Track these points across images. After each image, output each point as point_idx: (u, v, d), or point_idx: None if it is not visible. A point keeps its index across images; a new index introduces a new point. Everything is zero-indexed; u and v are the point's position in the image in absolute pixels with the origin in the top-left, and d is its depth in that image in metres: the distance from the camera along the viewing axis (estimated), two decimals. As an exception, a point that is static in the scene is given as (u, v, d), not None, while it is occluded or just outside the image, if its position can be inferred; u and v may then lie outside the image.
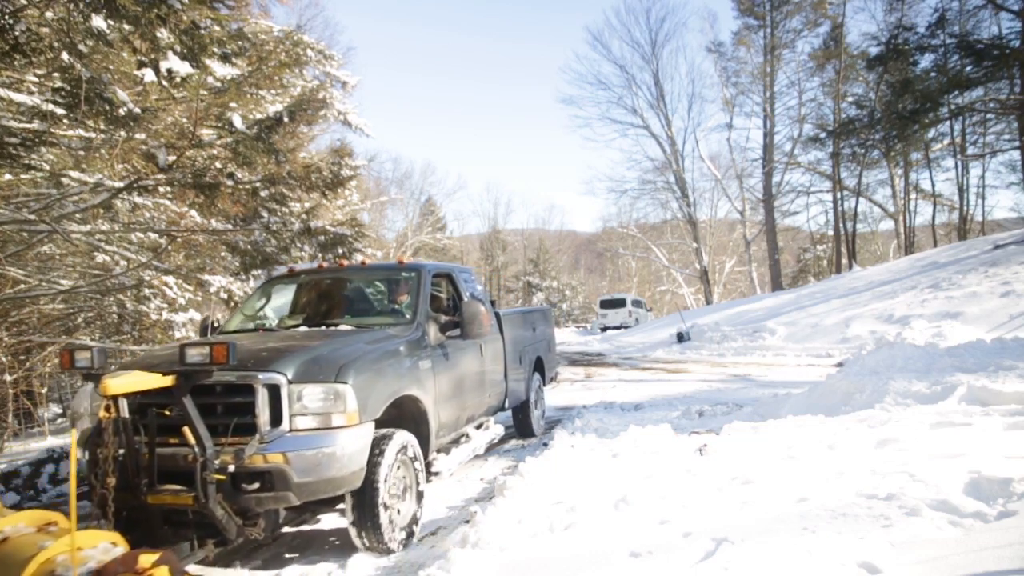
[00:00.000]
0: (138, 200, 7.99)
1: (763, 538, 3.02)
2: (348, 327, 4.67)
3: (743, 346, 16.76)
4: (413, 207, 54.20)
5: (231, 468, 3.26)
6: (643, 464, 4.73)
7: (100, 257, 8.28)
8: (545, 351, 7.92)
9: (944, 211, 32.02)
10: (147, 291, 9.10)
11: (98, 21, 4.89)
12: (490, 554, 3.27)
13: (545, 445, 6.20)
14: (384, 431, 3.92)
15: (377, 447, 3.77)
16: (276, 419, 3.44)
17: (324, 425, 3.49)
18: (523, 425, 7.20)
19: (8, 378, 8.06)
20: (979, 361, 7.20)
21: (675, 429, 6.23)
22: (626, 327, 33.16)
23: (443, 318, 4.97)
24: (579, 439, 6.01)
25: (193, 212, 8.69)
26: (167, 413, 3.34)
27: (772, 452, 4.69)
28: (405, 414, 4.31)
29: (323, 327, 4.78)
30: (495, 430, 5.99)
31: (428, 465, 4.56)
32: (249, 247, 8.97)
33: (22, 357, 8.58)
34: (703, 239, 41.09)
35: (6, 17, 4.71)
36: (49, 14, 5.06)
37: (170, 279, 9.00)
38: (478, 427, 5.79)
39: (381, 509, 3.72)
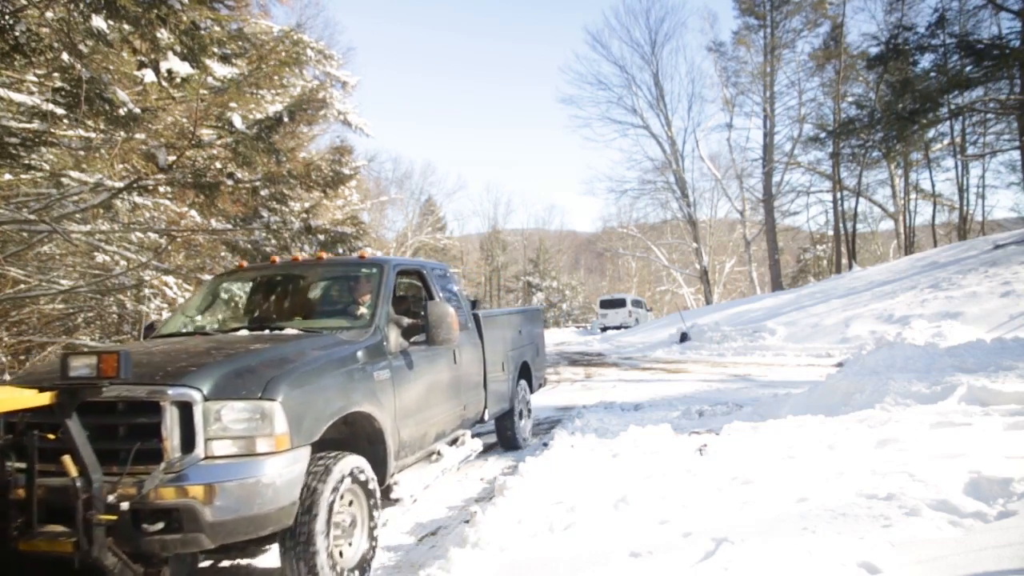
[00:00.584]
0: (138, 200, 7.99)
1: (763, 538, 3.02)
2: (295, 331, 4.04)
3: (743, 346, 16.76)
4: (413, 207, 54.27)
5: (126, 505, 2.69)
6: (643, 464, 4.73)
7: (100, 257, 8.29)
8: (533, 355, 7.32)
9: (944, 211, 32.06)
10: (147, 291, 9.11)
11: (98, 21, 4.90)
12: (490, 554, 3.27)
13: (545, 445, 6.20)
14: (326, 456, 3.33)
15: (315, 476, 3.17)
16: (188, 444, 2.86)
17: (247, 451, 2.92)
18: (507, 437, 6.60)
19: (8, 378, 8.06)
20: (979, 361, 7.20)
21: (675, 429, 6.23)
22: (626, 327, 33.17)
23: (406, 321, 4.30)
24: (579, 439, 6.02)
25: (193, 212, 8.69)
26: (51, 437, 2.78)
27: (772, 452, 4.69)
28: (358, 433, 3.75)
29: (268, 331, 4.13)
30: (472, 445, 5.36)
31: (387, 490, 3.97)
32: (249, 246, 8.97)
33: (22, 357, 8.59)
34: (703, 239, 41.10)
35: (6, 17, 4.71)
36: (49, 14, 5.06)
37: (170, 279, 9.00)
38: (453, 442, 5.14)
39: (319, 551, 3.11)
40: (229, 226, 8.83)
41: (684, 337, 19.15)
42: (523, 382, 6.92)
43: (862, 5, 60.84)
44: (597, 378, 12.83)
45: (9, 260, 6.89)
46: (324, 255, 5.27)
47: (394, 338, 4.16)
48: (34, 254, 7.72)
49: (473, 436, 5.51)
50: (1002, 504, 3.20)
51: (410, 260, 5.28)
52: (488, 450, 6.55)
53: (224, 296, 5.41)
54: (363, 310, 4.31)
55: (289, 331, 4.04)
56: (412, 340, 4.34)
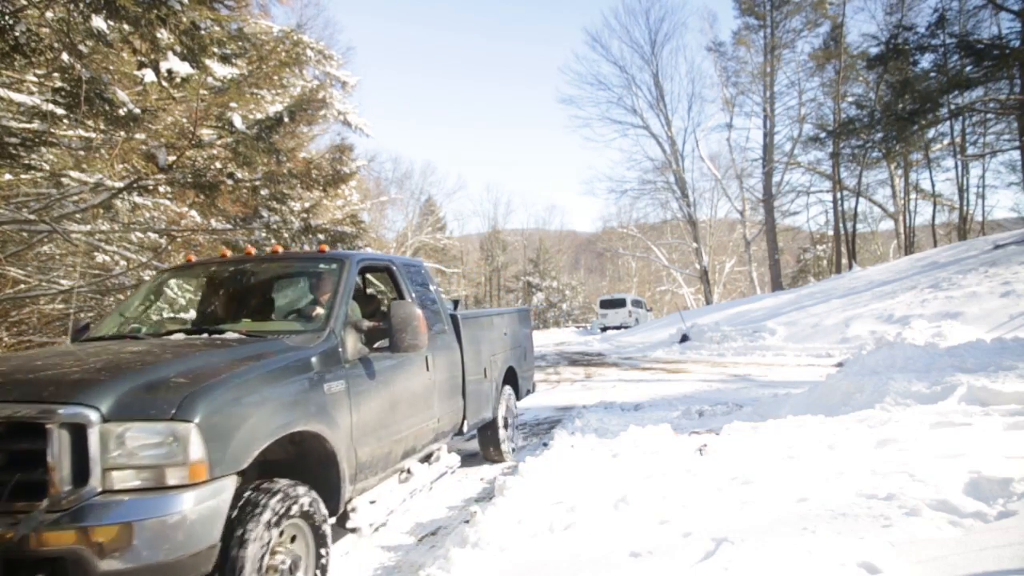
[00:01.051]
0: (138, 200, 7.99)
1: (763, 538, 3.02)
2: (237, 335, 3.52)
3: (743, 346, 16.77)
4: (413, 207, 54.30)
5: None
6: (643, 464, 4.73)
7: (100, 257, 8.29)
8: (519, 360, 6.82)
9: (944, 211, 32.06)
10: None
11: (98, 21, 4.90)
12: (490, 554, 3.27)
13: (545, 445, 6.20)
14: (260, 485, 2.80)
15: (244, 511, 2.64)
16: (81, 475, 2.34)
17: (155, 483, 2.40)
18: (490, 449, 6.13)
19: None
20: (979, 361, 7.20)
21: (675, 429, 6.23)
22: (626, 327, 33.19)
23: (366, 324, 3.77)
24: (579, 439, 6.02)
25: (193, 212, 8.69)
26: None
27: (772, 452, 4.69)
28: (308, 454, 3.23)
29: (207, 334, 3.62)
30: (448, 461, 4.94)
31: (342, 518, 3.52)
32: (249, 246, 8.97)
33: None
34: (703, 239, 41.12)
35: (6, 17, 4.71)
36: (49, 14, 5.06)
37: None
38: (426, 458, 4.71)
39: None
40: (229, 226, 8.84)
41: (684, 338, 19.15)
42: (508, 389, 6.43)
43: (862, 5, 60.89)
44: (597, 378, 12.83)
45: (9, 260, 6.89)
46: (279, 248, 4.79)
47: (352, 344, 3.63)
48: (34, 254, 7.72)
49: (451, 451, 5.15)
50: (1002, 504, 3.20)
51: (377, 255, 4.79)
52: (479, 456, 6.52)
53: (171, 294, 4.93)
54: (319, 311, 3.78)
55: (231, 335, 3.53)
56: (375, 346, 3.82)
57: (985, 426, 4.79)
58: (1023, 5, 19.57)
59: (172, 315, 5.03)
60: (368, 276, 5.42)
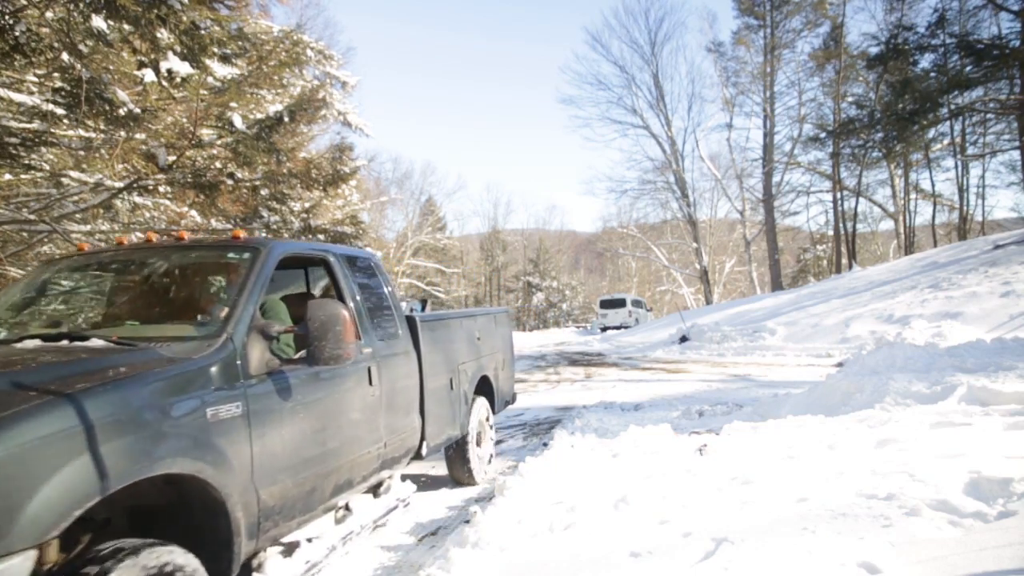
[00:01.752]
0: (138, 200, 8.00)
1: (763, 538, 3.02)
2: (104, 342, 2.72)
3: (743, 346, 16.77)
4: (413, 207, 54.31)
5: None
6: (643, 464, 4.73)
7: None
8: (497, 367, 6.08)
9: (944, 211, 32.08)
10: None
11: (98, 21, 4.89)
12: (490, 554, 3.27)
13: (545, 445, 6.20)
14: (84, 554, 2.03)
15: None
16: None
17: None
18: (458, 470, 5.32)
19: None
20: (979, 361, 7.20)
21: (675, 429, 6.23)
22: (626, 327, 33.19)
23: (277, 328, 3.00)
24: (579, 439, 6.01)
25: (193, 212, 8.70)
26: None
27: (772, 452, 4.69)
28: (190, 498, 2.48)
29: (68, 340, 2.80)
30: (400, 491, 4.28)
31: None
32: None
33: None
34: (703, 239, 41.13)
35: (6, 17, 4.71)
36: (49, 14, 5.06)
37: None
38: (374, 488, 4.08)
39: None
40: (229, 226, 8.84)
41: (684, 338, 19.16)
42: (482, 401, 5.62)
43: (862, 5, 60.88)
44: (597, 378, 12.83)
45: (9, 260, 6.89)
46: (185, 235, 3.98)
47: (257, 354, 2.86)
48: (34, 254, 7.72)
49: (404, 479, 4.49)
50: (1002, 504, 3.20)
51: (308, 245, 4.04)
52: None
53: (54, 289, 4.17)
54: (220, 312, 2.98)
55: (96, 342, 2.73)
56: (295, 356, 3.22)
57: (985, 426, 4.79)
58: (1023, 5, 19.58)
59: (57, 315, 4.18)
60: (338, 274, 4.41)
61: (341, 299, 3.83)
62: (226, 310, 2.95)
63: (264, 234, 8.99)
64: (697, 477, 4.24)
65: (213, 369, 2.63)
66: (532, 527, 3.57)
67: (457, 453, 5.28)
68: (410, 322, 4.53)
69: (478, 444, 5.47)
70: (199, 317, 3.11)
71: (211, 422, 2.51)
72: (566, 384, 12.19)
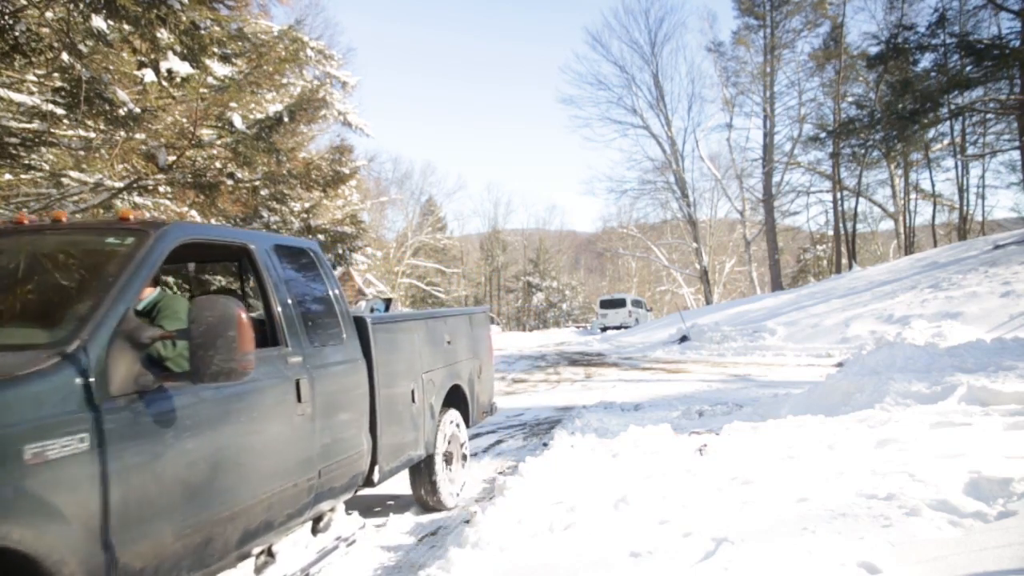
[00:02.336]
0: (138, 200, 8.00)
1: (763, 538, 3.02)
2: None
3: (743, 346, 16.77)
4: (413, 207, 54.37)
5: None
6: (643, 464, 4.73)
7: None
8: (472, 375, 5.43)
9: (944, 211, 32.08)
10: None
11: (98, 21, 4.90)
12: (490, 554, 3.27)
13: (545, 445, 6.20)
14: None
15: None
16: None
17: None
18: (424, 493, 4.62)
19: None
20: (979, 361, 7.21)
21: (675, 429, 6.23)
22: (626, 327, 33.18)
23: (151, 333, 2.38)
24: (579, 439, 6.01)
25: (193, 212, 8.70)
26: None
27: (772, 452, 4.69)
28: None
29: None
30: (344, 527, 3.92)
31: None
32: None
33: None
34: (703, 239, 41.15)
35: (6, 17, 4.72)
36: (49, 14, 5.06)
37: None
38: (315, 523, 3.70)
39: None
40: (229, 226, 8.84)
41: (684, 338, 19.16)
42: (454, 414, 4.98)
43: (862, 5, 60.90)
44: (597, 378, 12.83)
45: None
46: (63, 216, 3.07)
47: (124, 369, 2.23)
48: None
49: (351, 511, 4.04)
50: (1002, 504, 3.20)
51: (221, 230, 3.47)
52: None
53: None
54: (74, 312, 2.36)
55: None
56: (180, 371, 2.59)
57: (985, 426, 4.79)
58: (1023, 5, 19.59)
59: None
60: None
61: (265, 297, 3.21)
62: (84, 310, 2.28)
63: (264, 234, 8.98)
64: (697, 477, 4.24)
65: (43, 389, 1.96)
66: (532, 527, 3.57)
67: (423, 474, 4.59)
68: (359, 325, 3.88)
69: (448, 463, 4.82)
70: (57, 319, 2.40)
71: (31, 465, 1.83)
72: (566, 384, 12.19)
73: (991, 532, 2.89)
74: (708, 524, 3.31)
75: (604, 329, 34.53)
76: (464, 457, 5.14)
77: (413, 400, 4.32)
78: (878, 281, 20.00)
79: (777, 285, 34.46)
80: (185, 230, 2.86)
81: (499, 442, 7.01)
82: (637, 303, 37.77)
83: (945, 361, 7.42)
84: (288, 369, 3.11)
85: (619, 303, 36.30)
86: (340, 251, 9.29)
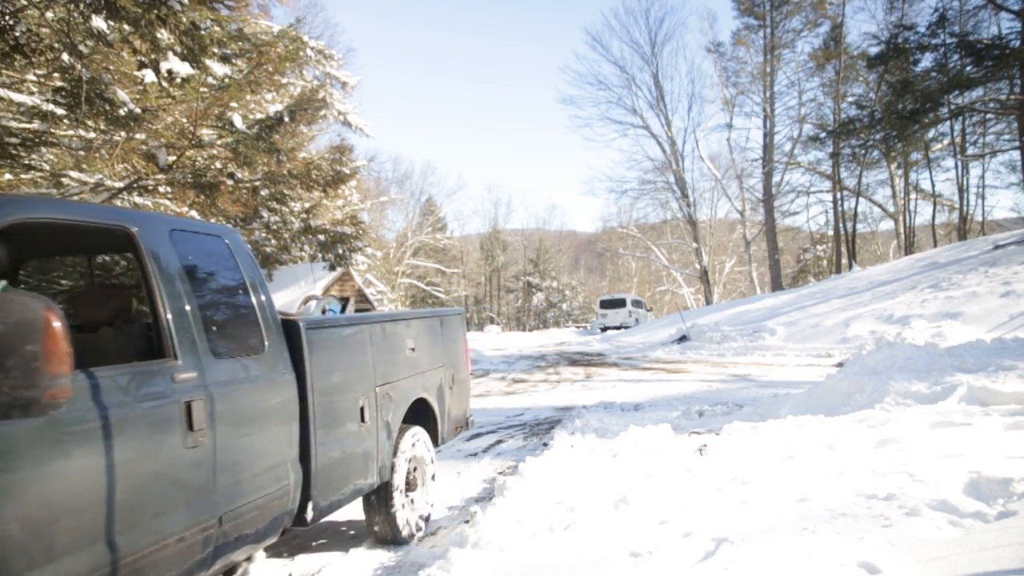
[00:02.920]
0: (138, 200, 8.00)
1: (763, 538, 3.02)
2: None
3: (743, 346, 16.77)
4: (413, 207, 54.37)
5: None
6: (643, 464, 4.74)
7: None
8: (443, 385, 4.70)
9: (944, 211, 32.09)
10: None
11: (98, 22, 4.90)
12: (490, 554, 3.27)
13: (545, 445, 6.20)
14: None
15: None
16: None
17: None
18: (381, 524, 3.94)
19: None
20: (979, 361, 7.21)
21: (675, 429, 6.23)
22: (626, 327, 33.17)
23: None
24: (579, 439, 6.02)
25: (193, 212, 8.70)
26: None
27: (772, 452, 4.69)
28: None
29: None
30: None
31: None
32: (249, 246, 8.99)
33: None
34: (703, 239, 41.15)
35: (7, 17, 4.72)
36: (49, 15, 5.06)
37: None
38: None
39: None
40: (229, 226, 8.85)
41: (683, 339, 19.17)
42: (417, 432, 4.24)
43: (862, 5, 60.85)
44: (597, 378, 12.83)
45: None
46: None
47: None
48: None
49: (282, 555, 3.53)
50: (1002, 504, 3.20)
51: (81, 207, 2.69)
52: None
53: None
54: None
55: None
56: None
57: (985, 426, 4.79)
58: (1023, 5, 19.60)
59: None
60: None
61: (151, 297, 2.55)
62: None
63: (264, 234, 8.99)
64: (697, 477, 4.25)
65: None
66: (532, 527, 3.57)
67: (378, 504, 3.91)
68: (289, 330, 3.20)
69: (409, 489, 4.12)
70: None
71: None
72: (566, 384, 12.19)
73: (991, 532, 2.89)
74: (708, 524, 3.31)
75: (604, 329, 34.52)
76: (432, 479, 4.44)
77: (363, 419, 3.61)
78: (878, 281, 20.00)
79: (777, 285, 34.45)
80: (20, 205, 2.16)
81: (499, 442, 7.01)
82: (637, 303, 37.76)
83: (945, 361, 7.42)
84: (175, 389, 2.45)
85: (619, 303, 36.29)
86: (340, 251, 9.29)
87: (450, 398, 4.83)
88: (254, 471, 2.83)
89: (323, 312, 3.97)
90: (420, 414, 4.40)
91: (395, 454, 3.94)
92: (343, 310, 4.32)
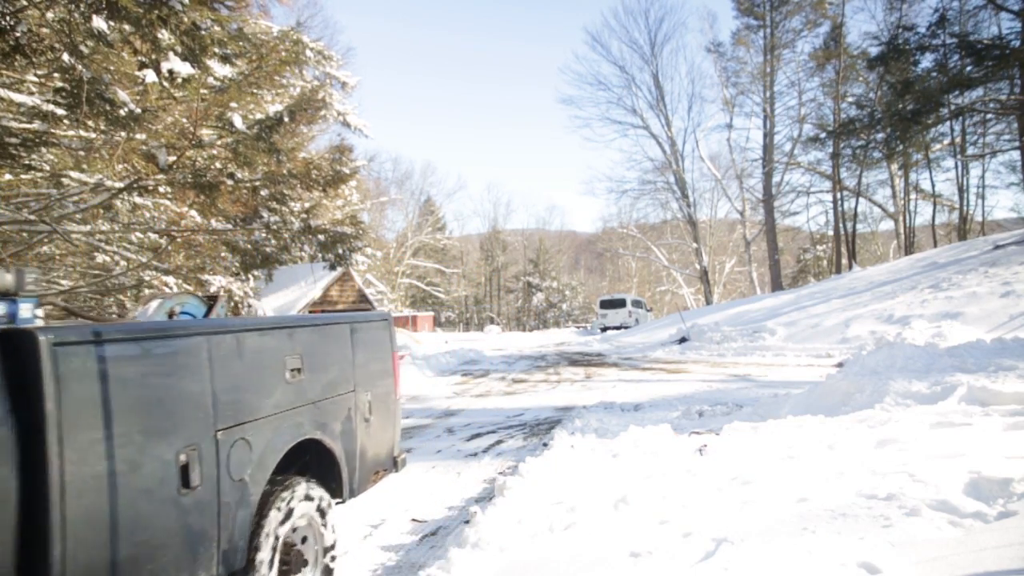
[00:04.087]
0: (138, 200, 8.00)
1: (763, 538, 3.02)
2: None
3: (743, 346, 16.77)
4: (413, 207, 54.38)
5: None
6: (643, 464, 4.74)
7: (100, 257, 8.30)
8: (351, 417, 3.44)
9: (944, 211, 32.09)
10: (147, 291, 9.13)
11: (99, 22, 4.90)
12: (490, 554, 3.27)
13: (545, 445, 6.20)
14: None
15: None
16: None
17: None
18: None
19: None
20: (979, 361, 7.21)
21: (675, 429, 6.23)
22: (626, 327, 33.16)
23: None
24: (579, 439, 6.02)
25: (193, 212, 8.70)
26: None
27: (772, 452, 4.69)
28: None
29: None
30: None
31: None
32: (249, 247, 8.98)
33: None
34: (703, 239, 41.14)
35: (7, 18, 4.72)
36: (50, 15, 5.06)
37: (170, 279, 9.01)
38: None
39: None
40: (229, 226, 8.84)
41: (683, 339, 19.17)
42: (305, 488, 2.98)
43: (862, 5, 60.92)
44: (597, 378, 12.82)
45: (10, 260, 6.90)
46: None
47: None
48: (34, 254, 7.73)
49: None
50: (1002, 504, 3.20)
51: None
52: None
53: None
54: None
55: None
56: None
57: (985, 426, 4.79)
58: (1023, 5, 19.60)
59: None
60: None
61: None
62: None
63: (264, 234, 8.98)
64: (697, 477, 4.25)
65: None
66: (532, 527, 3.57)
67: None
68: (18, 347, 1.86)
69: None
70: None
71: None
72: (566, 384, 12.19)
73: (991, 532, 2.89)
74: (708, 524, 3.31)
75: (604, 329, 34.51)
76: (331, 553, 3.16)
77: (186, 483, 2.32)
78: (878, 281, 20.00)
79: (777, 285, 34.44)
80: None
81: (499, 442, 7.01)
82: (637, 303, 37.74)
83: (945, 361, 7.42)
84: None
85: (619, 303, 36.27)
86: (340, 251, 9.29)
87: (364, 434, 3.58)
88: None
89: (170, 316, 2.87)
90: (312, 461, 3.23)
91: (258, 528, 2.66)
92: (207, 314, 3.06)
